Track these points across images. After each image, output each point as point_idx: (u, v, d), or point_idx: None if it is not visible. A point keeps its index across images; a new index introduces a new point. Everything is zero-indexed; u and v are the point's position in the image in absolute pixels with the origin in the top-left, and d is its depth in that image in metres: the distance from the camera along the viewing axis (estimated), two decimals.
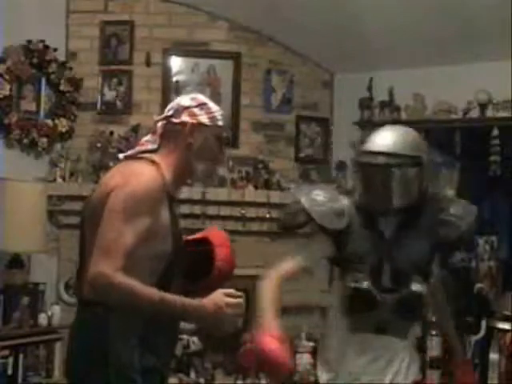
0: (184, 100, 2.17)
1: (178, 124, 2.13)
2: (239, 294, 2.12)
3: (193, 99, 2.17)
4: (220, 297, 2.02)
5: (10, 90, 4.35)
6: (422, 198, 2.38)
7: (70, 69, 4.70)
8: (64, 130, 4.63)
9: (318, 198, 2.55)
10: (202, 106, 2.15)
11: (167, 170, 2.09)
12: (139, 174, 2.00)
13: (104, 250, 1.90)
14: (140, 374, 1.98)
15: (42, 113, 4.58)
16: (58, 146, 4.67)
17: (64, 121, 4.63)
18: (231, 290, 2.10)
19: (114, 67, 4.87)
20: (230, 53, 4.96)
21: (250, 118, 5.03)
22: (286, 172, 5.06)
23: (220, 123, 2.18)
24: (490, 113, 4.45)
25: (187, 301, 1.97)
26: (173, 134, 2.14)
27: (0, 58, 4.33)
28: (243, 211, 4.76)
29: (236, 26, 4.98)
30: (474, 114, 4.51)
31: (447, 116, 4.60)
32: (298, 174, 5.09)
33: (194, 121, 2.13)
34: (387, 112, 4.86)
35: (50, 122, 4.58)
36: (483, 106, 4.46)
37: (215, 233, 2.27)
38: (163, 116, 2.17)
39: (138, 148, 2.18)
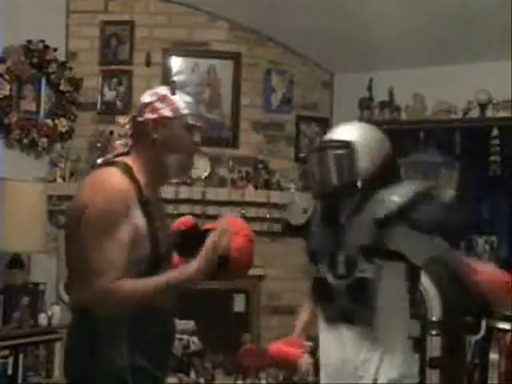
0: (145, 97, 2.13)
1: (143, 122, 2.09)
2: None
3: (153, 94, 2.12)
4: (205, 244, 2.01)
5: (10, 89, 4.35)
6: (369, 185, 2.38)
7: (70, 69, 4.70)
8: (64, 130, 4.63)
9: (297, 198, 2.71)
10: (162, 99, 2.10)
11: (140, 171, 2.07)
12: (105, 186, 1.99)
13: (94, 270, 1.91)
14: (130, 374, 1.98)
15: (42, 113, 4.58)
16: (58, 146, 4.67)
17: (64, 121, 4.63)
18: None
19: (114, 67, 4.87)
20: (230, 53, 4.97)
21: (250, 118, 5.03)
22: (286, 172, 5.07)
23: (184, 111, 2.11)
24: (490, 113, 4.46)
25: (184, 268, 2.01)
26: (140, 133, 2.11)
27: (0, 58, 4.33)
28: (243, 211, 4.76)
29: (236, 26, 4.98)
30: (474, 114, 4.52)
31: (447, 116, 4.60)
32: (297, 174, 5.09)
33: (156, 115, 2.08)
34: (387, 112, 4.86)
35: (49, 121, 4.58)
36: (483, 106, 4.46)
37: (232, 220, 2.22)
38: (130, 117, 2.15)
39: (111, 153, 2.17)
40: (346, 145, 2.38)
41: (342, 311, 2.42)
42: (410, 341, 2.57)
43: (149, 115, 2.08)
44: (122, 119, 2.20)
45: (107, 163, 2.10)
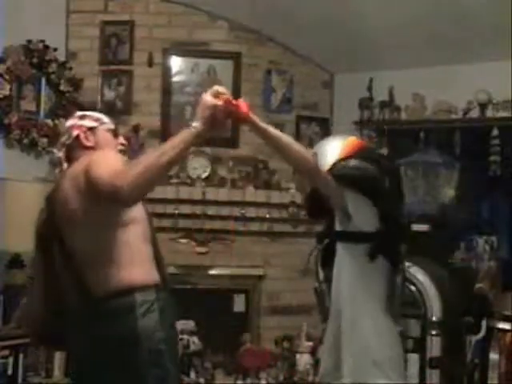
0: (67, 123, 2.44)
1: (74, 141, 2.36)
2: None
3: (72, 118, 2.43)
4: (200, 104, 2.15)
5: (10, 89, 4.34)
6: None
7: (70, 69, 4.70)
8: (64, 130, 4.62)
9: None
10: (81, 116, 2.40)
11: None
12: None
13: (104, 170, 2.05)
14: (164, 344, 2.11)
15: (42, 113, 4.58)
16: None
17: (64, 121, 4.61)
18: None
19: (114, 67, 4.87)
20: (230, 53, 4.96)
21: None
22: (286, 172, 5.06)
23: (105, 120, 2.42)
24: (490, 113, 4.45)
25: (185, 133, 2.11)
26: (76, 151, 2.35)
27: (0, 58, 4.33)
28: (243, 211, 4.76)
29: (236, 26, 4.98)
30: (474, 114, 4.52)
31: (447, 116, 4.60)
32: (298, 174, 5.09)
33: (84, 129, 2.37)
34: (387, 112, 4.86)
35: (50, 122, 4.58)
36: (483, 106, 4.46)
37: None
38: (60, 145, 2.39)
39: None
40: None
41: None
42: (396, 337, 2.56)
43: (76, 132, 2.36)
44: (56, 151, 2.43)
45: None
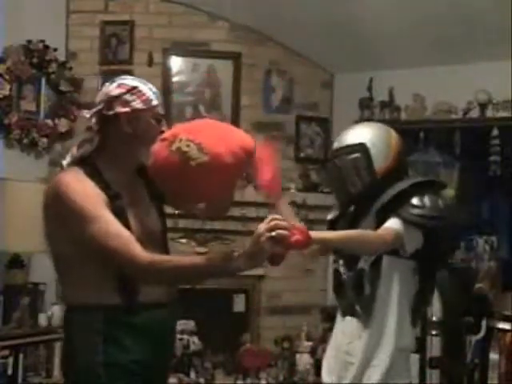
0: (112, 89, 2.04)
1: (112, 116, 2.02)
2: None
3: (121, 86, 2.05)
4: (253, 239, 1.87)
5: (10, 89, 4.34)
6: (383, 184, 2.42)
7: (70, 69, 4.70)
8: (64, 130, 4.63)
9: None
10: (132, 91, 2.03)
11: (110, 166, 2.05)
12: (61, 183, 1.99)
13: (114, 250, 1.88)
14: (104, 369, 1.97)
15: (42, 113, 4.58)
16: (57, 146, 4.67)
17: (64, 121, 4.63)
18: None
19: (114, 67, 4.86)
20: (229, 53, 4.96)
21: (249, 118, 5.03)
22: (285, 172, 5.06)
23: (154, 103, 2.07)
24: (490, 113, 4.45)
25: (228, 260, 1.86)
26: (109, 126, 2.04)
27: (0, 58, 4.33)
28: (243, 211, 4.76)
29: (236, 26, 4.98)
30: (474, 114, 4.52)
31: (447, 116, 4.60)
32: (297, 174, 5.09)
33: (128, 109, 2.02)
34: (387, 112, 4.86)
35: (49, 121, 4.58)
36: (483, 106, 4.46)
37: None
38: (95, 110, 2.04)
39: (75, 150, 2.09)
40: (358, 147, 2.43)
41: (349, 303, 2.49)
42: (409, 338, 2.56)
43: (119, 108, 2.02)
44: (86, 112, 2.07)
45: (73, 163, 2.07)
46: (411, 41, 4.49)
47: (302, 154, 5.18)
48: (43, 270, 4.36)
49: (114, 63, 4.86)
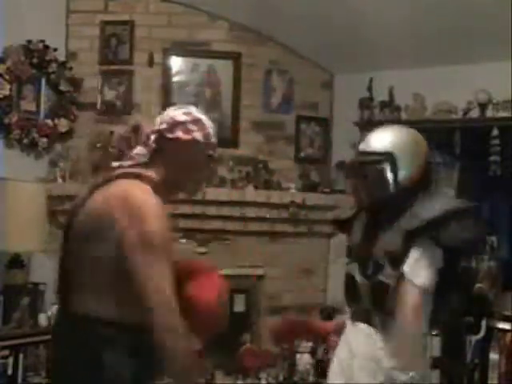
0: (178, 114, 2.12)
1: (172, 139, 2.09)
2: None
3: (187, 114, 2.13)
4: None
5: (10, 89, 4.35)
6: (409, 192, 2.39)
7: (70, 69, 4.71)
8: (64, 130, 4.63)
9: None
10: (196, 121, 2.12)
11: (158, 186, 2.04)
12: (148, 210, 1.93)
13: (163, 308, 1.89)
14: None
15: (42, 113, 4.58)
16: (58, 146, 4.68)
17: (64, 121, 4.63)
18: None
19: (114, 67, 4.87)
20: (229, 53, 4.96)
21: (249, 118, 5.03)
22: (286, 172, 5.07)
23: (213, 140, 2.16)
24: (490, 113, 4.45)
25: None
26: (166, 148, 2.10)
27: (0, 58, 4.33)
28: (243, 211, 4.76)
29: (236, 26, 4.98)
30: (474, 114, 4.51)
31: (447, 116, 4.59)
32: (297, 174, 5.09)
33: (189, 137, 2.10)
34: (387, 112, 4.86)
35: (49, 121, 4.58)
36: (483, 106, 4.45)
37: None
38: (156, 129, 2.12)
39: (129, 162, 2.11)
40: (386, 157, 2.38)
41: (364, 311, 2.45)
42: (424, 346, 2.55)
43: (181, 134, 2.09)
44: (144, 124, 2.17)
45: (130, 174, 2.05)
46: (411, 41, 4.48)
47: (302, 154, 5.18)
48: (43, 270, 4.38)
49: (114, 63, 4.86)
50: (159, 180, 2.06)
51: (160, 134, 2.11)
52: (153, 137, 2.11)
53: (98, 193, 2.05)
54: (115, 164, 2.13)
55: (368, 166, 2.42)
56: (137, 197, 1.95)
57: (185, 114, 2.12)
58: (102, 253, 1.95)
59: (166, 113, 2.15)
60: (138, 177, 2.04)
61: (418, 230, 2.32)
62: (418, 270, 2.33)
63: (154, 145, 2.11)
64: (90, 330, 1.98)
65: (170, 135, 2.09)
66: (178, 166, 2.10)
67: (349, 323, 2.57)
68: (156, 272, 1.89)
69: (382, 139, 2.44)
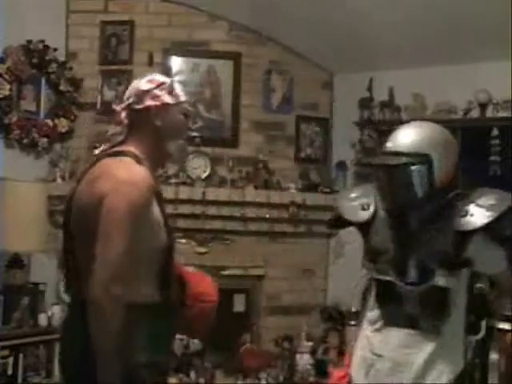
0: (142, 84, 2.12)
1: (142, 109, 2.09)
2: None
3: (150, 81, 2.12)
4: None
5: (10, 89, 4.35)
6: (442, 194, 2.35)
7: (70, 69, 4.71)
8: (64, 130, 4.64)
9: (351, 194, 2.61)
10: (161, 85, 2.11)
11: (144, 159, 2.06)
12: (130, 178, 1.95)
13: (108, 264, 1.86)
14: (145, 367, 1.97)
15: (42, 113, 4.59)
16: (57, 146, 4.68)
17: (64, 121, 4.63)
18: None
19: (113, 67, 4.87)
20: (230, 53, 4.96)
21: (249, 118, 5.03)
22: (285, 172, 5.07)
23: (182, 98, 2.15)
24: (490, 113, 4.45)
25: None
26: (139, 120, 2.10)
27: (0, 58, 4.33)
28: (243, 211, 4.76)
29: (236, 26, 4.98)
30: (474, 114, 4.51)
31: (447, 116, 4.59)
32: (297, 174, 5.09)
33: (158, 102, 2.09)
34: (387, 112, 4.86)
35: (49, 121, 4.58)
36: (483, 106, 4.46)
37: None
38: (125, 104, 2.12)
39: (109, 144, 2.12)
40: (422, 158, 2.30)
41: (407, 316, 2.38)
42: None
43: (150, 102, 2.09)
44: (117, 106, 2.15)
45: (113, 153, 2.07)
46: (411, 41, 4.48)
47: (302, 154, 5.18)
48: (43, 270, 4.38)
49: (113, 63, 4.86)
50: (141, 154, 2.06)
51: (129, 107, 2.11)
52: (123, 113, 2.11)
53: (84, 178, 2.07)
54: (95, 152, 2.15)
55: (401, 168, 2.32)
56: (118, 168, 1.97)
57: (148, 81, 2.12)
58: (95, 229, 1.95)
59: (130, 87, 2.15)
60: (118, 154, 2.06)
61: (477, 230, 2.27)
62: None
63: (126, 120, 2.10)
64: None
65: (139, 106, 2.09)
66: (155, 134, 2.10)
67: (371, 327, 2.50)
68: (119, 236, 1.87)
69: (414, 139, 2.35)
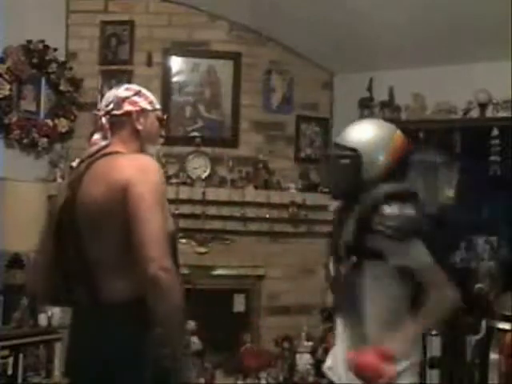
0: (120, 92, 2.24)
1: (123, 114, 2.20)
2: None
3: (127, 89, 2.26)
4: None
5: (10, 89, 4.35)
6: (364, 187, 2.38)
7: (70, 69, 4.71)
8: (64, 130, 4.63)
9: None
10: (138, 93, 2.25)
11: None
12: (148, 165, 2.07)
13: (154, 243, 1.94)
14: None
15: (42, 113, 4.59)
16: (58, 146, 4.68)
17: (64, 121, 4.63)
18: None
19: (114, 67, 4.87)
20: (230, 53, 4.96)
21: (250, 118, 5.03)
22: (285, 172, 5.07)
23: (158, 106, 2.30)
24: (490, 113, 4.45)
25: None
26: (120, 125, 2.20)
27: (0, 58, 4.33)
28: (243, 211, 4.76)
29: (236, 26, 4.98)
30: (474, 114, 4.52)
31: (447, 116, 4.60)
32: (297, 174, 5.09)
33: (138, 108, 2.22)
34: (387, 112, 4.86)
35: (49, 121, 4.58)
36: (483, 106, 4.46)
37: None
38: (105, 111, 2.21)
39: (95, 147, 2.19)
40: (352, 154, 2.36)
41: (340, 303, 2.50)
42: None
43: (129, 108, 2.21)
44: (97, 111, 2.25)
45: (108, 153, 2.14)
46: (411, 41, 4.48)
47: (302, 154, 5.17)
48: None
49: (113, 63, 4.86)
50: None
51: (109, 114, 2.21)
52: (104, 120, 2.20)
53: (84, 180, 2.12)
54: (75, 163, 2.22)
55: (334, 158, 2.44)
56: (130, 160, 2.11)
57: (126, 89, 2.25)
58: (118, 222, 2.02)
59: (106, 95, 2.26)
60: (112, 154, 2.15)
61: (361, 219, 2.32)
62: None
63: (107, 126, 2.19)
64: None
65: (119, 112, 2.20)
66: (136, 138, 2.21)
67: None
68: (155, 217, 1.98)
69: (352, 133, 2.44)
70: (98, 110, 2.25)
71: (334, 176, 2.47)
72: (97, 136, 2.21)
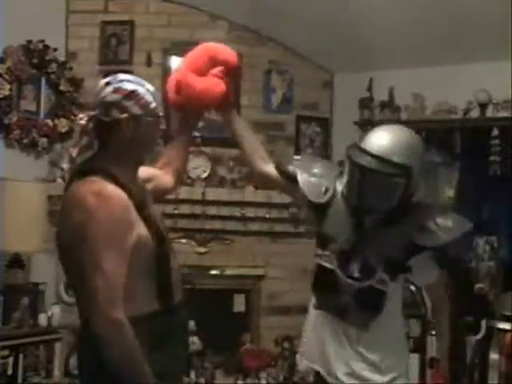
0: (108, 94, 1.99)
1: (110, 122, 1.98)
2: None
3: (116, 91, 1.99)
4: None
5: (10, 89, 4.35)
6: (406, 202, 2.37)
7: (70, 69, 4.71)
8: (64, 130, 4.63)
9: (313, 169, 2.61)
10: (128, 95, 1.99)
11: (117, 169, 1.99)
12: (100, 205, 1.87)
13: (102, 293, 1.82)
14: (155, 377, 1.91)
15: (41, 113, 4.59)
16: (58, 146, 4.68)
17: (64, 121, 4.63)
18: None
19: (114, 67, 4.85)
20: None
21: (250, 118, 5.01)
22: None
23: (152, 105, 2.04)
24: (490, 113, 4.45)
25: None
26: (108, 132, 1.99)
27: (0, 58, 4.33)
28: (243, 211, 4.76)
29: (236, 26, 4.98)
30: (474, 114, 4.51)
31: (447, 116, 4.60)
32: None
33: (126, 115, 1.98)
34: (387, 112, 4.86)
35: (49, 122, 4.58)
36: (483, 106, 4.46)
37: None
38: (91, 115, 2.01)
39: (74, 154, 2.04)
40: (408, 172, 2.30)
41: (338, 305, 2.43)
42: (406, 340, 2.58)
43: (117, 115, 1.98)
44: (81, 116, 2.05)
45: (82, 173, 1.98)
46: (411, 41, 4.48)
47: (302, 154, 5.17)
48: (43, 270, 4.38)
49: (113, 63, 4.85)
50: (114, 163, 2.00)
51: (96, 120, 2.00)
52: (90, 124, 2.01)
53: (62, 204, 2.01)
54: (68, 168, 2.12)
55: (383, 175, 2.31)
56: (85, 196, 1.89)
57: (114, 92, 2.00)
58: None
59: (97, 94, 2.03)
60: (86, 173, 1.96)
61: (435, 248, 2.32)
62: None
63: (92, 133, 2.01)
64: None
65: (106, 119, 1.98)
66: (127, 145, 2.00)
67: (315, 311, 2.55)
68: (106, 262, 1.83)
69: (397, 149, 2.33)
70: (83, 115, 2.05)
71: (377, 192, 2.34)
72: (82, 142, 2.03)
